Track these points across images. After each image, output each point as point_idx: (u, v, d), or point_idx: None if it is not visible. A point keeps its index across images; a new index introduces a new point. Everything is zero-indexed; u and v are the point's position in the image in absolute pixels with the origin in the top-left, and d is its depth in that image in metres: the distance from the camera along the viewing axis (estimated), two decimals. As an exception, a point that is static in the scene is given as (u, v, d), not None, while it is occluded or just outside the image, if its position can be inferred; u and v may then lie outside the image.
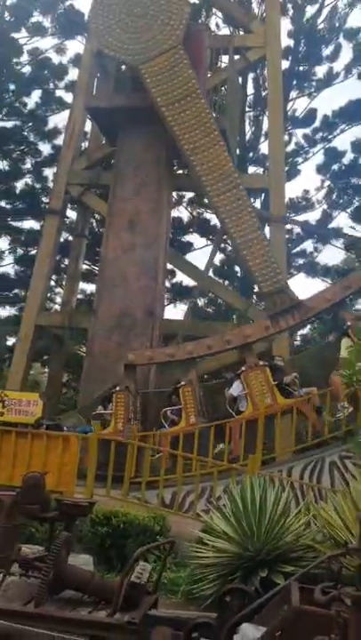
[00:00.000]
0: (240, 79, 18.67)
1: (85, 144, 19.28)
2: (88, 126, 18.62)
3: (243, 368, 11.76)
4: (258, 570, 6.23)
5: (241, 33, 18.24)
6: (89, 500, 7.00)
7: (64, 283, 20.47)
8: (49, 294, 21.00)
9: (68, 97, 25.53)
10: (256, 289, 23.05)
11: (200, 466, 9.48)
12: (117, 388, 12.08)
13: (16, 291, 24.73)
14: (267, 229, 19.26)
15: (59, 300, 24.39)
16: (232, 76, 16.33)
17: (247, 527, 6.54)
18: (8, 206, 24.81)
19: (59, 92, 25.49)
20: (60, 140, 24.40)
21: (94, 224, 23.39)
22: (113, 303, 13.73)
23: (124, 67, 15.60)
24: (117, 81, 15.53)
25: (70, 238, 20.73)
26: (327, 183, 23.49)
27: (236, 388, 11.76)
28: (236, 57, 16.58)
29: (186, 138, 13.18)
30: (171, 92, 13.39)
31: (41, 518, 6.68)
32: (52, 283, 20.90)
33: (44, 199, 24.54)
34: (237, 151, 19.92)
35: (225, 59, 17.81)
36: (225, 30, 21.25)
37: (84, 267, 21.70)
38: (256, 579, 6.17)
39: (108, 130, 16.66)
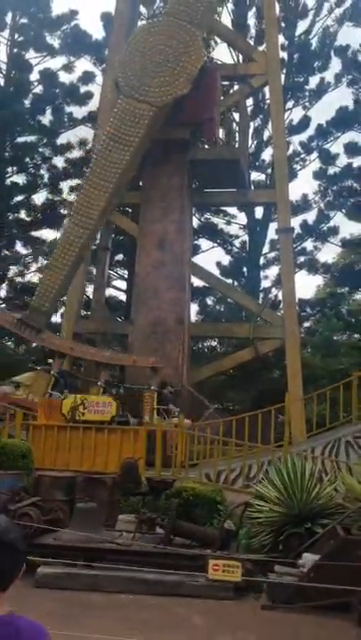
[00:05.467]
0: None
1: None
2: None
3: None
4: (302, 523, 8.45)
5: (242, 60, 20.28)
6: (172, 477, 9.22)
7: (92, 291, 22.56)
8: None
9: (78, 112, 27.55)
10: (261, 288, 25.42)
11: (238, 449, 11.70)
12: None
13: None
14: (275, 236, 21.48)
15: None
16: (241, 103, 18.42)
17: (292, 492, 8.76)
18: (28, 218, 26.84)
19: (69, 109, 27.42)
20: (73, 154, 26.65)
21: (113, 235, 25.45)
22: (148, 314, 15.87)
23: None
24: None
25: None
26: (323, 186, 25.65)
27: None
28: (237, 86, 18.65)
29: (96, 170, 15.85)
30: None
31: (135, 493, 8.90)
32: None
33: (63, 211, 26.60)
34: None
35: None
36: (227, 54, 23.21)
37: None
38: (301, 529, 8.40)
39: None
